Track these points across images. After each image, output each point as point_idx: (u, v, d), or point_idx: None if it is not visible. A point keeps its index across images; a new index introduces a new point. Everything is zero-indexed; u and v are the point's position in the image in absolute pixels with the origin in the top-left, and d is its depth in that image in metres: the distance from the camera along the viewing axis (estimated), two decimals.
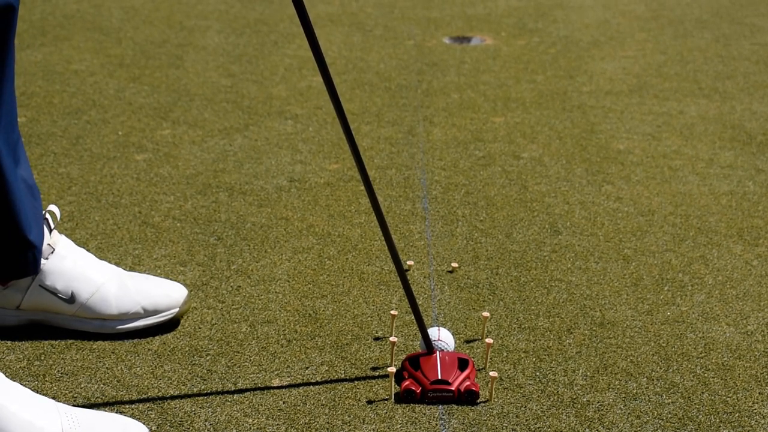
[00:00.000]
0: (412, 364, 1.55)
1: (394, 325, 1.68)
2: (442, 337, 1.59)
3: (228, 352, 1.62)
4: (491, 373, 1.49)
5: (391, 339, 1.56)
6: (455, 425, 1.46)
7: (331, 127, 2.62)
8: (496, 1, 4.07)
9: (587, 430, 1.45)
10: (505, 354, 1.63)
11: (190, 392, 1.51)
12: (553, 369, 1.59)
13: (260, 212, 2.12)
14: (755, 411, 1.50)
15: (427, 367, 1.53)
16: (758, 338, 1.70)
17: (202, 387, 1.53)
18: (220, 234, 2.02)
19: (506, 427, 1.45)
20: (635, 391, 1.54)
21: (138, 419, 1.43)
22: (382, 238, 1.69)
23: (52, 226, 1.63)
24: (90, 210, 2.11)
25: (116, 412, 1.44)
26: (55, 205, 1.83)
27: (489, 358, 1.60)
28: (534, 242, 2.02)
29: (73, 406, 1.42)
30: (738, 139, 2.62)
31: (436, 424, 1.46)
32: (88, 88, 2.89)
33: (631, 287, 1.85)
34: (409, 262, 1.91)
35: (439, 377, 1.51)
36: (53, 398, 1.45)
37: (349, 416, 1.46)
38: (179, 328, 1.68)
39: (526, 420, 1.47)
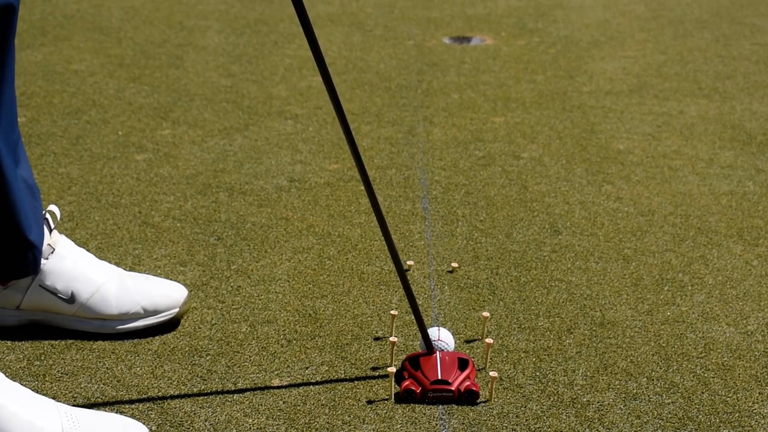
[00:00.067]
0: (412, 364, 1.55)
1: (394, 325, 1.68)
2: (442, 337, 1.59)
3: (228, 352, 1.62)
4: (491, 373, 1.49)
5: (391, 339, 1.56)
6: (455, 425, 1.46)
7: (331, 127, 2.62)
8: (496, 1, 4.07)
9: (587, 430, 1.45)
10: (505, 354, 1.63)
11: (190, 392, 1.51)
12: (553, 369, 1.59)
13: (260, 212, 2.12)
14: (755, 411, 1.50)
15: (427, 367, 1.53)
16: (758, 338, 1.70)
17: (202, 387, 1.53)
18: (220, 234, 2.02)
19: (506, 427, 1.45)
20: (635, 391, 1.54)
21: (138, 419, 1.43)
22: (382, 238, 1.69)
23: (52, 226, 1.63)
24: (90, 210, 2.11)
25: (116, 412, 1.44)
26: (55, 205, 1.83)
27: (489, 358, 1.60)
28: (534, 242, 2.02)
29: (73, 406, 1.42)
30: (738, 139, 2.62)
31: (436, 424, 1.46)
32: (88, 88, 2.89)
33: (631, 287, 1.86)
34: (409, 262, 1.91)
35: (439, 377, 1.51)
36: (53, 398, 1.45)
37: (349, 416, 1.46)
38: (179, 328, 1.69)
39: (526, 420, 1.47)
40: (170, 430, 1.43)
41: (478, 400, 1.50)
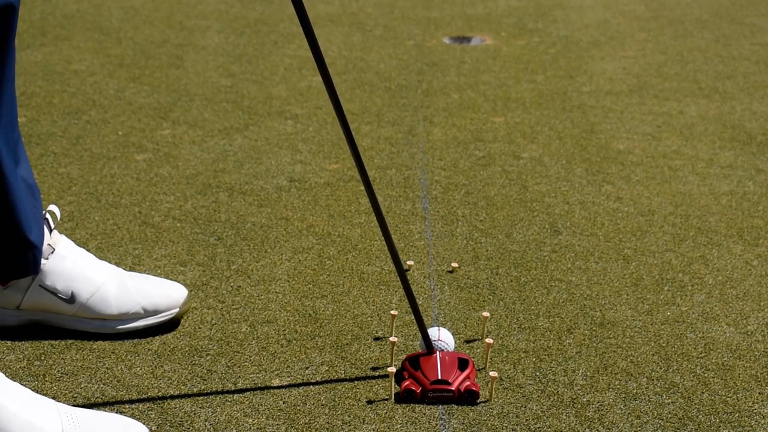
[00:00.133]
0: (412, 364, 1.55)
1: (394, 325, 1.68)
2: (442, 337, 1.59)
3: (228, 352, 1.62)
4: (491, 373, 1.49)
5: (391, 339, 1.56)
6: (455, 425, 1.46)
7: (331, 127, 2.62)
8: (496, 1, 4.07)
9: (587, 430, 1.45)
10: (505, 354, 1.63)
11: (190, 392, 1.51)
12: (553, 369, 1.59)
13: (260, 212, 2.12)
14: (755, 411, 1.50)
15: (427, 367, 1.53)
16: (758, 338, 1.70)
17: (202, 387, 1.53)
18: (220, 234, 2.02)
19: (506, 427, 1.45)
20: (635, 391, 1.54)
21: (138, 419, 1.43)
22: (382, 238, 1.69)
23: (52, 226, 1.63)
24: (90, 210, 2.11)
25: (116, 412, 1.44)
26: (55, 205, 1.83)
27: (489, 358, 1.60)
28: (534, 242, 2.02)
29: (73, 406, 1.42)
30: (738, 139, 2.62)
31: (436, 424, 1.46)
32: (88, 88, 2.89)
33: (631, 287, 1.86)
34: (409, 262, 1.91)
35: (439, 377, 1.51)
36: (53, 398, 1.45)
37: (349, 416, 1.46)
38: (179, 328, 1.69)
39: (526, 420, 1.47)
40: (170, 430, 1.43)
41: (478, 400, 1.50)
